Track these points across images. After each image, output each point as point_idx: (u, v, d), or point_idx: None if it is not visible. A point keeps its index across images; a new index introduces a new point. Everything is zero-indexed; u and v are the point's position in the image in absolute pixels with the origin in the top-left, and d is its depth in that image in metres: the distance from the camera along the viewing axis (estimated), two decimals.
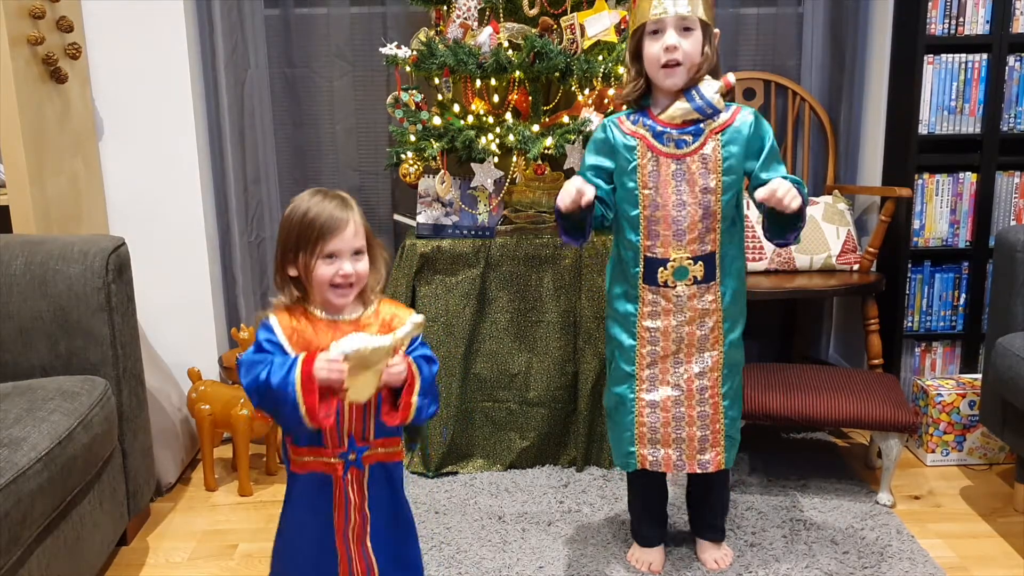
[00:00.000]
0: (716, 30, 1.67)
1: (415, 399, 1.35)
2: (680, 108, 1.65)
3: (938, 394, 2.40)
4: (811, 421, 2.17)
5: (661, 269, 1.71)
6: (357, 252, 1.36)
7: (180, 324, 2.60)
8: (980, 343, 2.58)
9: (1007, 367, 1.98)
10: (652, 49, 1.63)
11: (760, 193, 1.59)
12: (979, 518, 2.16)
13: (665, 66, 1.62)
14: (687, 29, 1.61)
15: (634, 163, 1.69)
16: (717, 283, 1.72)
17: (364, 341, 1.27)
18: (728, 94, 1.69)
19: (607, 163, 1.72)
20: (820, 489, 2.27)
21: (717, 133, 1.67)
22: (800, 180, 1.66)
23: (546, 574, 1.90)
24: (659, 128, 1.68)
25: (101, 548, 1.86)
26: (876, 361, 2.49)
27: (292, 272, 1.38)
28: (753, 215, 2.34)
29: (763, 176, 1.67)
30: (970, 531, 2.10)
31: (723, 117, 1.67)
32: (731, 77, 1.67)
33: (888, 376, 2.34)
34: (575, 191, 1.58)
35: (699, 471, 1.81)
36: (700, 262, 1.70)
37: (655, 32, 1.62)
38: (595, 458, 2.40)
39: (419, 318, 1.32)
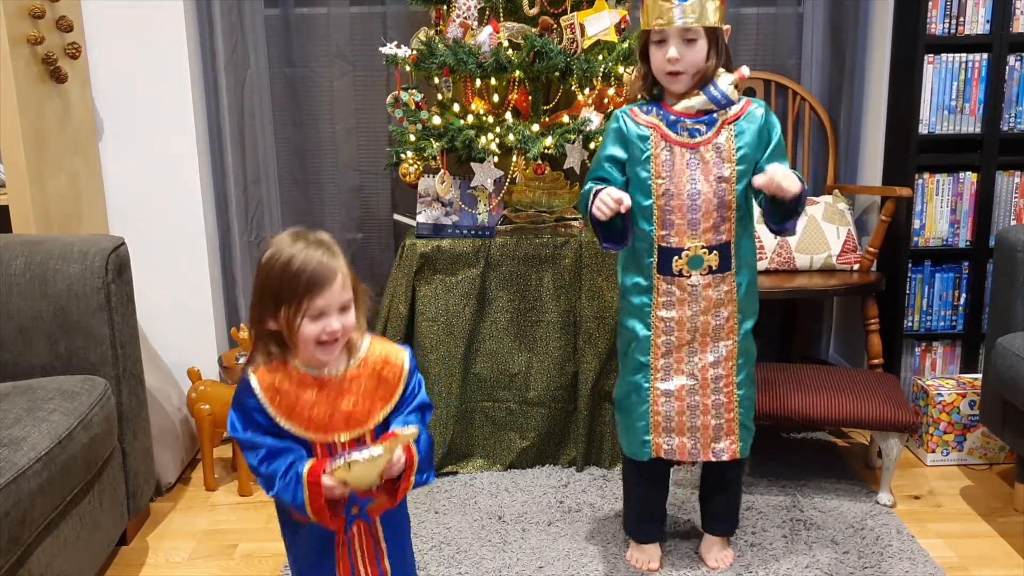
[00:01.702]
0: (727, 26, 1.68)
1: (412, 480, 1.29)
2: (696, 99, 1.67)
3: (938, 394, 2.40)
4: (811, 421, 2.16)
5: (676, 258, 1.72)
6: (343, 307, 1.25)
7: (180, 324, 2.59)
8: (980, 343, 2.58)
9: (1007, 367, 1.98)
10: (657, 58, 1.67)
11: (758, 179, 1.61)
12: (979, 518, 2.16)
13: (669, 74, 1.66)
14: (690, 40, 1.63)
15: (647, 153, 1.70)
16: (733, 273, 1.74)
17: (361, 456, 1.20)
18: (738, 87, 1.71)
19: (621, 154, 1.74)
20: (820, 489, 2.27)
21: (730, 123, 1.69)
22: (799, 173, 1.68)
23: (546, 574, 1.90)
24: (672, 117, 1.70)
25: (101, 548, 1.86)
26: (876, 361, 2.49)
27: (272, 326, 1.25)
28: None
29: (767, 168, 1.68)
30: (970, 531, 2.10)
31: (735, 108, 1.69)
32: (745, 70, 1.69)
33: (888, 376, 2.34)
34: (612, 201, 1.61)
35: (713, 459, 1.81)
36: (715, 251, 1.71)
37: (659, 41, 1.65)
38: (595, 458, 2.40)
39: (412, 430, 1.25)
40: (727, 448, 1.81)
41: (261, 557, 2.02)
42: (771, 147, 1.70)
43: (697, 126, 1.69)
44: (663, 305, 1.75)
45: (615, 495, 2.25)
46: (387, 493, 1.30)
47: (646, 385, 1.79)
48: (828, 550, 1.97)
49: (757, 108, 1.71)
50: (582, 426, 2.36)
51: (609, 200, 1.62)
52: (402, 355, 1.34)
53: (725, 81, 1.66)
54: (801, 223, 2.21)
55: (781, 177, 1.58)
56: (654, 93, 1.74)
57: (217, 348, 2.66)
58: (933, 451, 2.44)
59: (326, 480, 1.21)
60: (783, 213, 1.67)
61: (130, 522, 2.04)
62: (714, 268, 1.72)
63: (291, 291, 1.21)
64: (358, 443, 1.29)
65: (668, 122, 1.70)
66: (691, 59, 1.63)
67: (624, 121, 1.74)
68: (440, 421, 2.34)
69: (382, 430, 1.32)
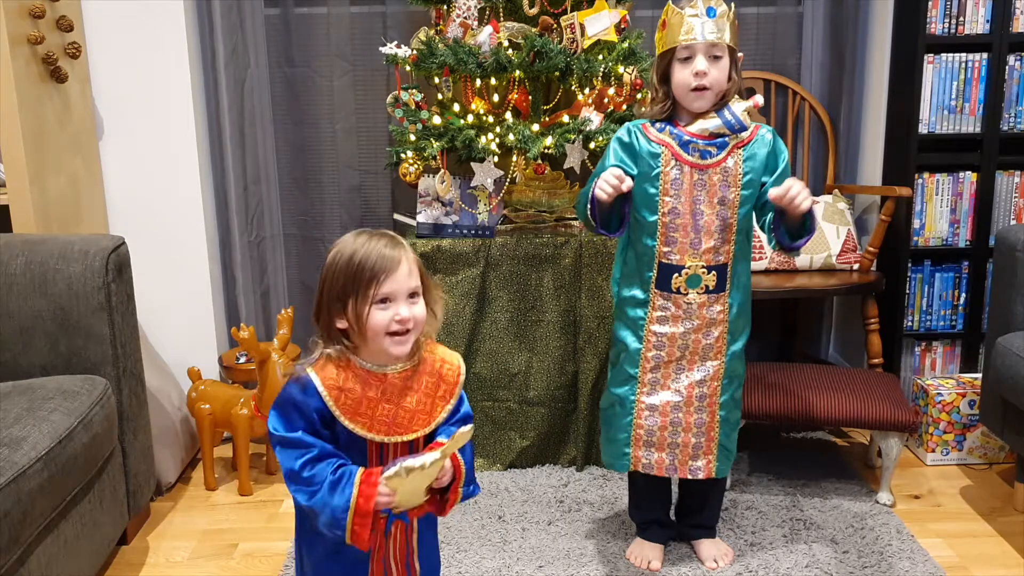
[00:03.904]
0: (740, 54, 1.71)
1: (460, 492, 1.27)
2: (711, 123, 1.69)
3: (938, 393, 2.40)
4: (811, 421, 2.17)
5: (675, 275, 1.74)
6: (412, 294, 1.24)
7: (180, 324, 2.59)
8: (980, 342, 2.58)
9: (1007, 366, 1.98)
10: (682, 74, 1.67)
11: (774, 192, 1.61)
12: (979, 518, 2.16)
13: (694, 90, 1.67)
14: (716, 57, 1.65)
15: (657, 170, 1.72)
16: (727, 294, 1.75)
17: (416, 463, 1.17)
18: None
19: (630, 166, 1.74)
20: (820, 489, 2.27)
21: (740, 148, 1.70)
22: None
23: (546, 574, 1.90)
24: (686, 138, 1.71)
25: (101, 547, 1.86)
26: (876, 360, 2.49)
27: (341, 324, 1.24)
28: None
29: (786, 181, 1.68)
30: (970, 531, 2.10)
31: (745, 134, 1.71)
32: (759, 98, 1.70)
33: (888, 375, 2.34)
34: (615, 179, 1.62)
35: (690, 476, 1.83)
36: (714, 271, 1.73)
37: (686, 58, 1.66)
38: (595, 458, 2.40)
39: (468, 428, 1.21)
40: (704, 467, 1.82)
41: (261, 557, 2.02)
42: (778, 172, 1.72)
43: (709, 148, 1.70)
44: (657, 320, 1.77)
45: (615, 495, 2.25)
46: (432, 507, 1.28)
47: (632, 397, 1.81)
48: (828, 550, 1.97)
49: (767, 133, 1.73)
50: (582, 426, 2.36)
51: (611, 178, 1.62)
52: (456, 356, 1.35)
53: (740, 107, 1.67)
54: None
55: (796, 192, 1.58)
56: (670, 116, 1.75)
57: (217, 348, 2.66)
58: (933, 451, 2.44)
59: (380, 487, 1.18)
60: (791, 229, 1.68)
61: (130, 522, 2.04)
62: (711, 288, 1.74)
63: (357, 281, 1.21)
64: (410, 450, 1.27)
65: (681, 142, 1.71)
66: (716, 76, 1.65)
67: (636, 136, 1.74)
68: None
69: (426, 440, 1.30)
